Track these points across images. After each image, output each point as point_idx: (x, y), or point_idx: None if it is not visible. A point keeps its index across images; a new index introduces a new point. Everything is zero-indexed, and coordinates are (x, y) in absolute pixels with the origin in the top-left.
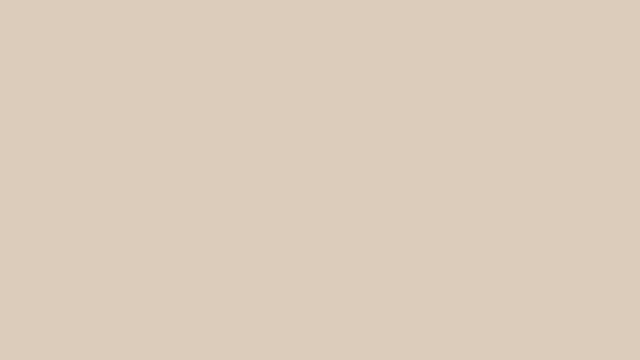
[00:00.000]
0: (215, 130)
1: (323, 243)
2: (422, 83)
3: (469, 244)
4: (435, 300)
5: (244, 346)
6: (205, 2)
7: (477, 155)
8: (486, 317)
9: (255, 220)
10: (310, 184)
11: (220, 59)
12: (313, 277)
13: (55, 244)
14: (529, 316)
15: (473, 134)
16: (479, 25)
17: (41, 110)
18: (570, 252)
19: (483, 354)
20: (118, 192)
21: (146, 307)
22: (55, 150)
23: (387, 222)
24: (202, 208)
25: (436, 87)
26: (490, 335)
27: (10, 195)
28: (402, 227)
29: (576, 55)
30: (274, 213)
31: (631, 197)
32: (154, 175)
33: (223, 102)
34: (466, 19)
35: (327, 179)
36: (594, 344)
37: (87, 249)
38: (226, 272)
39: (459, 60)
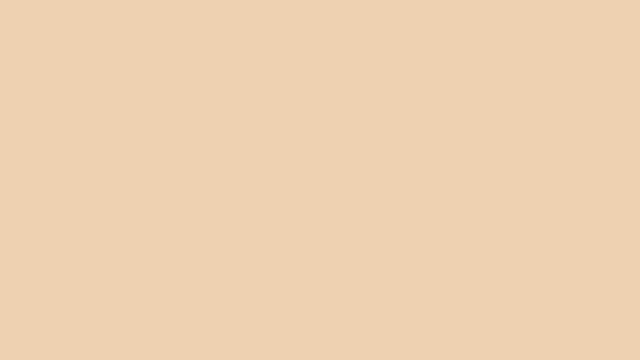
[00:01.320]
0: (215, 130)
1: (323, 243)
2: (422, 83)
3: (469, 245)
4: (435, 300)
5: (244, 346)
6: (205, 2)
7: (477, 155)
8: (486, 317)
9: (255, 220)
10: (310, 185)
11: (220, 59)
12: (313, 277)
13: (55, 244)
14: (529, 316)
15: (473, 134)
16: (479, 25)
17: (41, 110)
18: (571, 252)
19: (483, 354)
20: (118, 193)
21: (146, 307)
22: (55, 150)
23: (387, 222)
24: (202, 208)
25: (436, 87)
26: (490, 335)
27: (10, 195)
28: (402, 228)
29: (576, 55)
30: (274, 213)
31: (631, 197)
32: (154, 175)
33: (223, 102)
34: (466, 19)
35: (327, 179)
36: (594, 344)
37: (87, 249)
38: (226, 273)
39: (459, 60)
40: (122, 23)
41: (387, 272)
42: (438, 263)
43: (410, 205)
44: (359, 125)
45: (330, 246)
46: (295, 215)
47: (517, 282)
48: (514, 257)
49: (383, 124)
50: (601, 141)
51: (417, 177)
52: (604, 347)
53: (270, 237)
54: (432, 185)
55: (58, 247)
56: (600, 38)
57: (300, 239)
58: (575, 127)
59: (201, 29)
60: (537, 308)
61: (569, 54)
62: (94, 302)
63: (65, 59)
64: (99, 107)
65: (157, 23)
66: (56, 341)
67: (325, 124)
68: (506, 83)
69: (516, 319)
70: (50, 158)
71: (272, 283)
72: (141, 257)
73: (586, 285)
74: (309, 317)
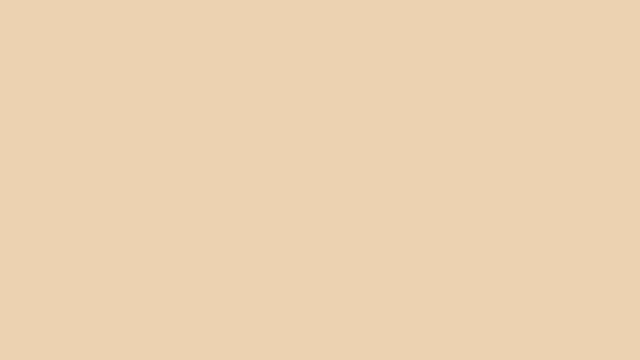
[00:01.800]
0: (215, 130)
1: (323, 243)
2: (422, 83)
3: (469, 245)
4: (435, 300)
5: (244, 346)
6: (205, 2)
7: (477, 155)
8: (486, 317)
9: (255, 220)
10: (310, 185)
11: (220, 59)
12: (313, 277)
13: (55, 244)
14: (529, 316)
15: (473, 134)
16: (479, 25)
17: (41, 110)
18: (570, 252)
19: (483, 354)
20: (118, 193)
21: (146, 307)
22: (55, 150)
23: (387, 222)
24: (202, 208)
25: (436, 87)
26: (490, 335)
27: (10, 195)
28: (402, 228)
29: (576, 55)
30: (274, 213)
31: (631, 197)
32: (154, 175)
33: (223, 102)
34: (466, 19)
35: (327, 179)
36: (594, 344)
37: (87, 249)
38: (226, 273)
39: (459, 60)
40: (122, 23)
41: (387, 273)
42: (438, 264)
43: (410, 206)
44: (359, 126)
45: (330, 247)
46: (295, 216)
47: (517, 282)
48: (514, 258)
49: (383, 124)
50: (601, 141)
51: (417, 177)
52: (604, 347)
53: (270, 238)
54: (432, 186)
55: (58, 247)
56: (600, 38)
57: (300, 239)
58: (575, 127)
59: (201, 29)
60: (537, 308)
61: (569, 54)
62: (94, 302)
63: (65, 59)
64: (99, 107)
65: (157, 23)
66: (56, 341)
67: (325, 124)
68: (506, 83)
69: (516, 320)
70: (50, 158)
71: (272, 283)
72: (141, 257)
73: (586, 285)
74: (309, 318)
